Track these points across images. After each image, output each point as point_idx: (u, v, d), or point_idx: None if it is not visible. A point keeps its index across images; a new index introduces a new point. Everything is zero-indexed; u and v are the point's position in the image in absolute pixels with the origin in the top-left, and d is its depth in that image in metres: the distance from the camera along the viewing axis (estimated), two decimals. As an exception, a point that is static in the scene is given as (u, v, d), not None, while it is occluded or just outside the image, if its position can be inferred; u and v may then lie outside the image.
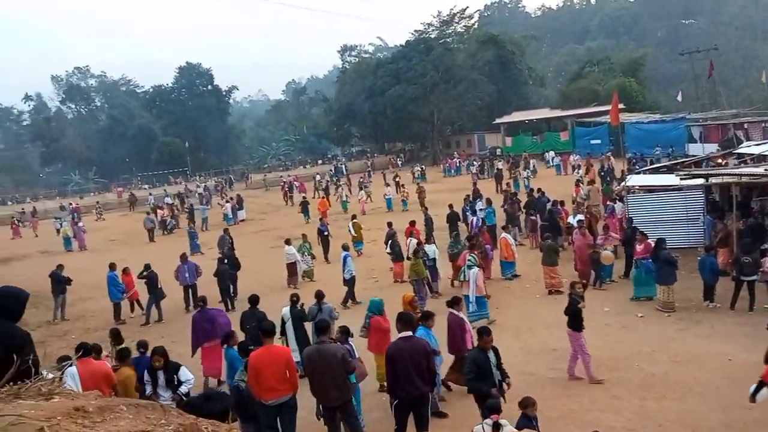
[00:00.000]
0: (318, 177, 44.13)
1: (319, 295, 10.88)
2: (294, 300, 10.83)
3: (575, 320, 9.49)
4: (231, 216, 32.04)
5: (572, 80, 64.74)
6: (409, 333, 7.21)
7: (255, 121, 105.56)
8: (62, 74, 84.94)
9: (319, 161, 70.24)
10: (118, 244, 29.32)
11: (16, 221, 38.14)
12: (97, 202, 46.38)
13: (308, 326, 10.07)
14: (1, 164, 70.26)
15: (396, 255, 16.81)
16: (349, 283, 15.02)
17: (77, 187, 65.69)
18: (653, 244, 13.29)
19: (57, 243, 29.91)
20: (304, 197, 32.67)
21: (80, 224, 30.75)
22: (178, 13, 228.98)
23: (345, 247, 15.78)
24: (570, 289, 9.99)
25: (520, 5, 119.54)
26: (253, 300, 10.92)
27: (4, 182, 71.26)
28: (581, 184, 24.50)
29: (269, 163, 74.40)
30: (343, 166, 58.63)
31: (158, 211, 33.75)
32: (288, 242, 17.69)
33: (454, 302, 9.38)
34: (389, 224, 18.71)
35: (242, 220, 32.61)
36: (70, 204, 45.77)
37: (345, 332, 8.45)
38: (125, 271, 15.97)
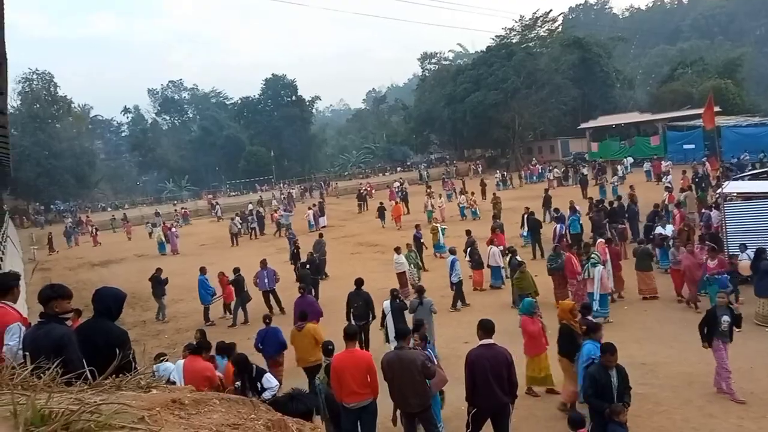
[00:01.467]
0: (397, 184, 44.40)
1: (420, 290, 11.85)
2: (394, 294, 11.58)
3: (713, 329, 9.05)
4: (313, 223, 32.80)
5: (663, 82, 61.84)
6: (491, 341, 7.08)
7: (336, 130, 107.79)
8: (158, 88, 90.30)
9: (398, 168, 70.69)
10: (208, 248, 30.69)
11: (93, 230, 40.42)
12: (175, 210, 48.39)
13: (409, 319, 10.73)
14: (102, 173, 75.21)
15: (475, 263, 16.70)
16: (457, 286, 15.21)
17: (171, 194, 69.34)
18: (728, 258, 12.54)
19: (152, 247, 31.66)
20: (381, 203, 33.10)
21: (173, 229, 32.42)
22: (264, 27, 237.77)
23: (453, 251, 15.86)
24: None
25: (606, 7, 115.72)
26: (359, 282, 12.22)
27: (104, 190, 76.33)
28: (672, 191, 23.32)
29: (349, 170, 75.67)
30: (426, 173, 58.69)
31: (242, 217, 35.09)
32: (398, 251, 17.11)
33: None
34: (468, 232, 18.55)
35: (323, 227, 33.32)
36: (177, 209, 48.48)
37: (424, 339, 8.42)
38: (221, 275, 16.66)
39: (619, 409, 6.30)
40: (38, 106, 64.17)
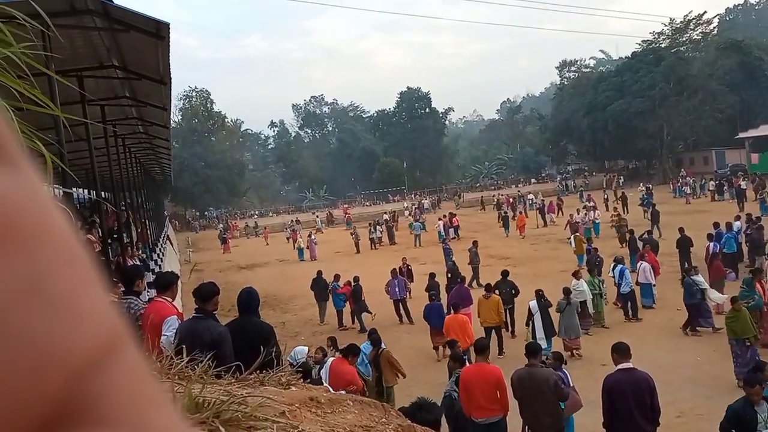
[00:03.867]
0: (531, 197, 43.21)
1: (567, 291, 12.67)
2: (540, 293, 12.37)
3: None
4: (443, 233, 32.82)
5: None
6: (629, 364, 6.65)
7: (469, 140, 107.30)
8: (301, 103, 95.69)
9: (533, 180, 68.78)
10: (342, 255, 31.82)
11: (225, 237, 41.98)
12: (296, 220, 49.33)
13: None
14: (250, 183, 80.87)
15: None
16: (628, 296, 14.76)
17: (310, 203, 72.91)
18: None
19: (291, 252, 33.45)
20: (504, 212, 32.77)
21: (312, 237, 34.00)
22: (400, 41, 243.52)
23: (620, 260, 15.36)
24: None
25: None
26: (505, 273, 14.72)
27: (252, 198, 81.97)
28: None
29: (481, 182, 74.93)
30: (573, 184, 56.47)
31: (376, 227, 36.01)
32: (576, 275, 14.16)
33: None
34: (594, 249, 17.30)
35: (453, 238, 33.21)
36: (317, 215, 50.90)
37: (558, 359, 8.11)
38: (355, 280, 17.11)
39: None
40: (196, 120, 70.57)
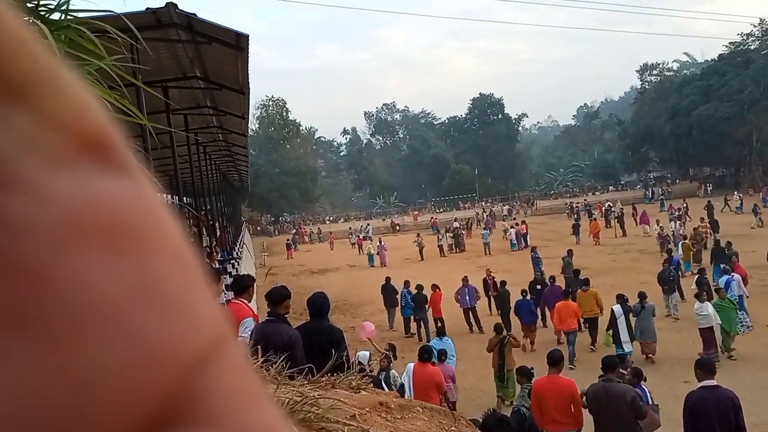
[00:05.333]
0: (609, 204, 41.66)
1: (642, 295, 12.84)
2: (623, 298, 12.75)
3: None
4: (515, 242, 32.25)
5: None
6: (714, 382, 6.29)
7: (543, 147, 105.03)
8: (373, 111, 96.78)
9: (611, 187, 66.43)
10: (411, 262, 31.85)
11: (290, 244, 42.36)
12: (367, 225, 49.77)
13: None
14: (322, 189, 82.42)
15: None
16: (740, 302, 14.01)
17: (381, 209, 73.48)
18: None
19: (363, 258, 33.78)
20: (576, 219, 31.89)
21: (382, 243, 34.22)
22: (474, 48, 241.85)
23: (727, 271, 14.93)
24: None
25: None
26: (577, 272, 16.07)
27: (324, 204, 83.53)
28: None
29: (556, 189, 73.13)
30: (660, 190, 53.98)
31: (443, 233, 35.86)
32: (700, 297, 12.60)
33: None
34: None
35: (525, 247, 32.55)
36: (367, 224, 51.26)
37: (637, 374, 7.77)
38: (435, 288, 16.82)
39: None
40: (272, 129, 72.72)
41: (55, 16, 1.68)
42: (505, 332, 11.73)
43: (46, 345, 0.12)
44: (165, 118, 9.83)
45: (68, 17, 1.69)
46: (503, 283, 16.76)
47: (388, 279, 18.43)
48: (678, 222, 28.12)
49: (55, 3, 1.67)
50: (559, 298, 14.01)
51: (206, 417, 0.14)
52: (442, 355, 9.60)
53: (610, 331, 12.64)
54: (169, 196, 18.04)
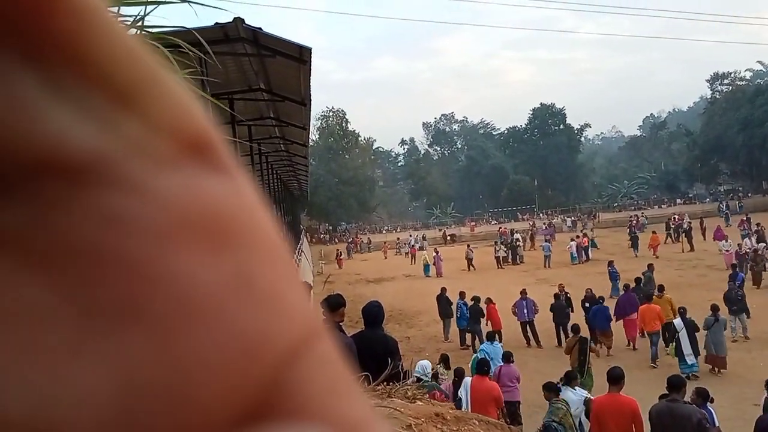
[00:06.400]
0: (676, 217, 40.09)
1: (715, 308, 12.89)
2: (683, 311, 12.94)
3: None
4: (576, 255, 31.46)
5: None
6: None
7: (606, 158, 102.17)
8: (431, 121, 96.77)
9: (678, 200, 63.93)
10: (467, 273, 31.56)
11: (340, 253, 42.36)
12: (423, 236, 48.76)
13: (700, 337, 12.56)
14: (379, 199, 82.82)
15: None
16: None
17: (437, 220, 73.19)
18: None
19: (418, 268, 33.72)
20: (635, 232, 31.02)
21: (438, 253, 34.07)
22: (535, 57, 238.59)
23: None
24: None
25: None
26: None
27: (381, 214, 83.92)
28: None
29: (619, 201, 70.94)
30: (738, 204, 50.60)
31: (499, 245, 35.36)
32: None
33: None
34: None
35: (587, 260, 31.69)
36: (413, 234, 50.80)
37: (703, 395, 7.42)
38: (489, 301, 16.67)
39: None
40: (332, 139, 73.75)
41: (131, 31, 1.77)
42: (581, 334, 12.38)
43: (153, 332, 0.13)
44: (231, 129, 10.14)
45: (143, 32, 1.79)
46: (557, 296, 16.50)
47: (443, 290, 18.30)
48: (754, 237, 26.55)
49: (132, 19, 1.77)
50: (635, 306, 14.82)
51: (301, 408, 0.15)
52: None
53: (672, 344, 12.81)
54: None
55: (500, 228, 48.89)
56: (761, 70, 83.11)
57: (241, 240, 0.15)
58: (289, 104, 11.20)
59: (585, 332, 13.60)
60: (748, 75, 78.18)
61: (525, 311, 16.14)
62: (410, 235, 49.35)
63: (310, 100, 10.58)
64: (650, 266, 20.14)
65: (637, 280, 17.66)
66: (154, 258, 0.14)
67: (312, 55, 8.04)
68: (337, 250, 43.75)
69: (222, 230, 0.14)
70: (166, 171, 0.14)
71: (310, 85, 9.69)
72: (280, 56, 8.25)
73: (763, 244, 24.15)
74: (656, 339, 13.58)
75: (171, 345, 0.13)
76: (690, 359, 12.37)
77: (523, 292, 16.65)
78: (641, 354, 14.24)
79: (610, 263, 22.51)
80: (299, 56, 8.12)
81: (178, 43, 1.94)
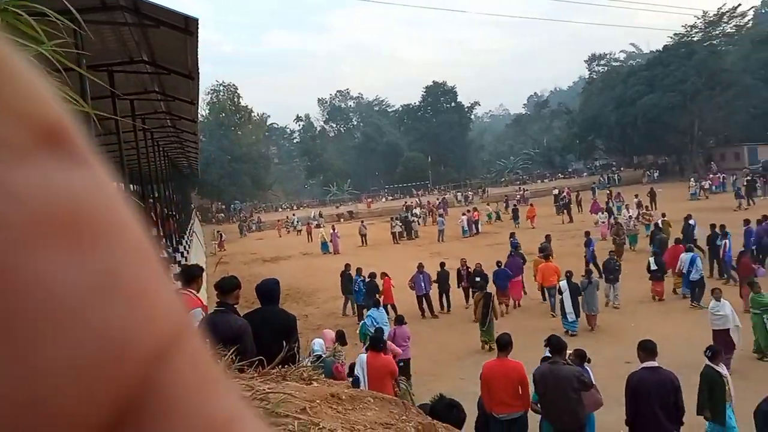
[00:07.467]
0: (556, 191, 42.71)
1: (588, 272, 14.82)
2: (568, 275, 14.29)
3: None
4: (467, 228, 32.77)
5: None
6: (654, 363, 6.57)
7: (495, 135, 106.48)
8: (327, 97, 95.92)
9: (559, 175, 68.07)
10: (364, 249, 31.93)
11: (221, 235, 40.32)
12: (320, 214, 49.08)
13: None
14: (275, 176, 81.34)
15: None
16: (698, 284, 15.26)
17: (334, 197, 73.17)
18: None
19: (315, 246, 33.65)
20: (515, 205, 34.24)
21: (335, 230, 34.15)
22: (427, 36, 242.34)
23: (690, 249, 15.94)
24: None
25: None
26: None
27: (276, 191, 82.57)
28: None
29: (506, 177, 74.37)
30: (616, 177, 55.87)
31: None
32: (717, 295, 11.39)
33: None
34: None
35: (477, 233, 33.10)
36: (313, 213, 51.10)
37: (581, 356, 8.02)
38: (383, 275, 16.99)
39: None
40: (223, 114, 71.16)
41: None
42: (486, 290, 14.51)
43: (6, 341, 0.12)
44: (110, 104, 9.50)
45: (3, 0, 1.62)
46: (442, 264, 17.78)
47: (347, 266, 18.35)
48: (633, 209, 28.70)
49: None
50: (520, 269, 17.26)
51: (166, 408, 0.14)
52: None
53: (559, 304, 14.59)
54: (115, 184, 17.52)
55: (405, 202, 50.03)
56: (634, 51, 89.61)
57: (104, 237, 0.14)
58: (175, 77, 10.65)
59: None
60: (622, 56, 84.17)
61: (422, 284, 16.64)
62: (293, 214, 49.06)
63: (198, 73, 10.11)
64: (548, 237, 21.19)
65: (541, 249, 18.63)
66: (8, 260, 0.13)
67: (199, 26, 7.67)
68: (217, 231, 41.64)
69: (83, 227, 0.13)
70: (20, 163, 0.13)
71: (197, 58, 9.25)
72: (164, 27, 7.80)
73: (627, 216, 26.22)
74: (553, 292, 15.42)
75: (27, 354, 0.12)
76: (570, 317, 13.89)
77: (420, 267, 17.10)
78: (530, 310, 16.60)
79: (512, 235, 23.52)
80: (185, 27, 7.71)
81: (44, 11, 1.77)
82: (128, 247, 0.14)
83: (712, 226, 18.18)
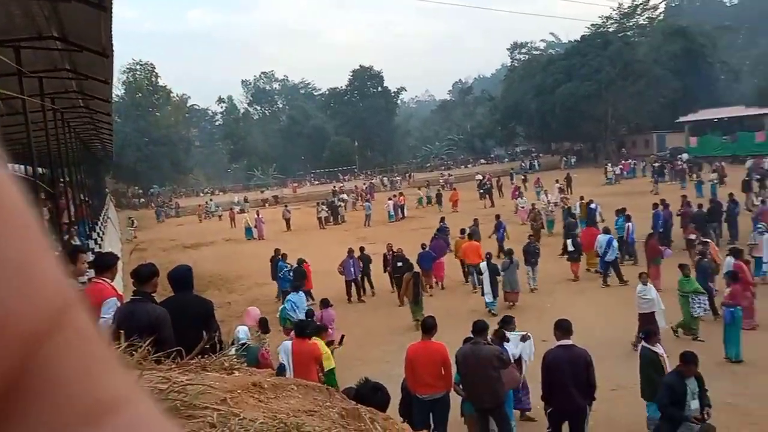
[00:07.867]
0: (479, 177, 43.73)
1: (509, 252, 15.35)
2: (488, 257, 15.08)
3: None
4: (393, 213, 33.10)
5: (773, 75, 57.46)
6: (569, 341, 6.92)
7: (421, 121, 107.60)
8: (251, 79, 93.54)
9: (481, 161, 69.79)
10: (290, 234, 31.61)
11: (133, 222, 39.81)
12: (245, 199, 48.39)
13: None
14: (196, 160, 78.88)
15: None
16: (613, 265, 16.14)
17: (259, 181, 71.80)
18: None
19: (239, 232, 32.97)
20: (438, 190, 35.85)
21: (259, 215, 33.60)
22: (354, 20, 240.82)
23: (607, 230, 16.75)
24: None
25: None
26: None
27: (198, 176, 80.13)
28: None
29: (432, 162, 75.46)
30: (536, 163, 57.91)
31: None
32: (644, 279, 11.55)
33: None
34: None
35: (403, 218, 33.50)
36: (237, 198, 50.11)
37: (501, 336, 8.32)
38: (301, 261, 16.91)
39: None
40: (140, 95, 68.07)
41: None
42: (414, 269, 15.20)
43: None
44: (17, 82, 8.86)
45: None
46: (362, 248, 18.14)
47: (277, 251, 18.10)
48: (553, 194, 29.82)
49: None
50: (443, 251, 18.04)
51: (50, 386, 0.14)
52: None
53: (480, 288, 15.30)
54: (22, 167, 16.44)
55: (333, 187, 49.74)
56: (553, 41, 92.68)
57: None
58: (88, 55, 10.04)
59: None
60: (542, 45, 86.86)
61: (352, 269, 16.68)
62: (210, 200, 47.59)
63: (113, 51, 9.59)
64: (475, 221, 21.64)
65: (462, 230, 19.43)
66: None
67: (113, 1, 7.27)
68: (129, 218, 40.15)
69: None
70: None
71: (111, 35, 8.77)
72: (75, 1, 7.33)
73: (544, 201, 27.33)
74: (473, 270, 16.30)
75: None
76: (488, 297, 14.54)
77: (350, 252, 17.12)
78: (453, 291, 17.33)
79: (442, 219, 23.88)
80: (98, 2, 7.28)
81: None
82: (8, 220, 0.14)
83: (618, 211, 19.18)
